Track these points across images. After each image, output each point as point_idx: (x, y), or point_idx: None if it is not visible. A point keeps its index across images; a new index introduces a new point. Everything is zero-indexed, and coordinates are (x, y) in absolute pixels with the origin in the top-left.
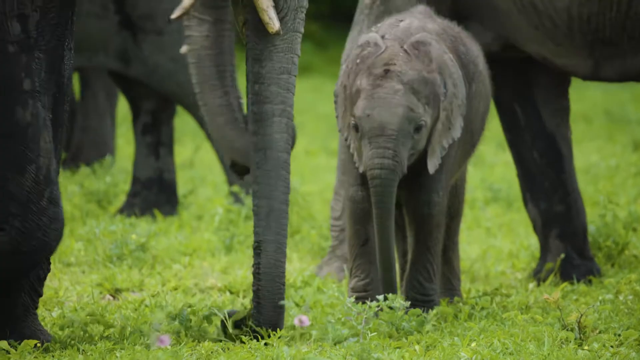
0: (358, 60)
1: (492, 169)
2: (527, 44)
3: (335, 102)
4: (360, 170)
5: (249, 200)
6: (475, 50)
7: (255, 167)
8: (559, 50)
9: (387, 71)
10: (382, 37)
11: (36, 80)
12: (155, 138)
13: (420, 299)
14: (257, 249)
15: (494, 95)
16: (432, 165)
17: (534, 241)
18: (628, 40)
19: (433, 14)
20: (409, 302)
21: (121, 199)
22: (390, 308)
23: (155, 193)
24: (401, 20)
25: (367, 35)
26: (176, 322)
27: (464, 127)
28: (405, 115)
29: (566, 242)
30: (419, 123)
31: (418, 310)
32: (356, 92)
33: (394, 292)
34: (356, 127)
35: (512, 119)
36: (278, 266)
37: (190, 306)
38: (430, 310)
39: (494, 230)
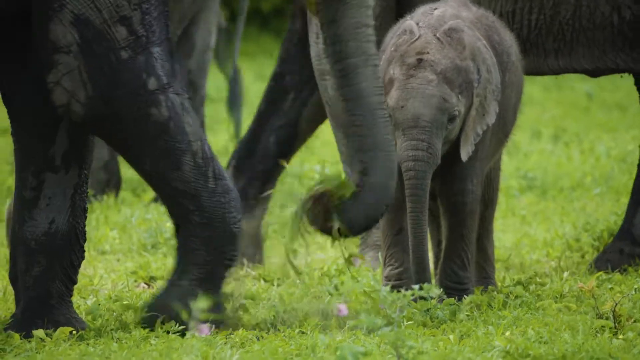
0: (392, 49)
1: (527, 157)
2: None
3: None
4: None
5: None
6: (508, 40)
7: (348, 115)
8: None
9: (420, 60)
10: (418, 26)
11: (161, 74)
12: None
13: (455, 288)
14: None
15: None
16: (465, 152)
17: (568, 229)
18: (553, 41)
19: (468, 3)
20: (444, 291)
21: None
22: (423, 298)
23: None
24: (435, 9)
25: (403, 23)
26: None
27: (497, 116)
28: (439, 106)
29: None
30: (453, 113)
31: (452, 300)
32: (389, 81)
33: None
34: (389, 117)
35: None
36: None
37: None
38: (464, 298)
39: (529, 218)
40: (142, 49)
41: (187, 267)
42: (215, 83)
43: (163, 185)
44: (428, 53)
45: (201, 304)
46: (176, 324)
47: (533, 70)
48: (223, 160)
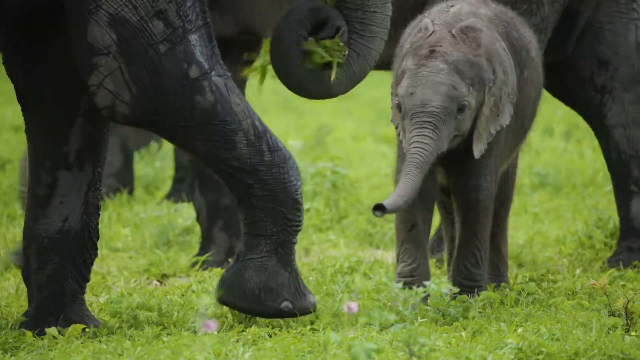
0: (408, 46)
1: (539, 154)
2: (266, 29)
3: (392, 94)
4: (405, 150)
5: None
6: (527, 37)
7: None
8: None
9: (432, 51)
10: (432, 22)
11: (202, 60)
12: None
13: (468, 285)
14: None
15: None
16: (477, 150)
17: (581, 227)
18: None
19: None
20: (458, 289)
21: (168, 185)
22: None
23: None
24: (452, 6)
25: (420, 22)
26: (223, 307)
27: (515, 114)
28: (448, 94)
29: None
30: (462, 102)
31: (465, 297)
32: (401, 73)
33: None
34: (399, 107)
35: None
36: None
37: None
38: (477, 295)
39: (541, 216)
40: (180, 39)
41: (256, 240)
42: None
43: (220, 165)
44: (441, 46)
45: (206, 300)
46: (190, 322)
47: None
48: None
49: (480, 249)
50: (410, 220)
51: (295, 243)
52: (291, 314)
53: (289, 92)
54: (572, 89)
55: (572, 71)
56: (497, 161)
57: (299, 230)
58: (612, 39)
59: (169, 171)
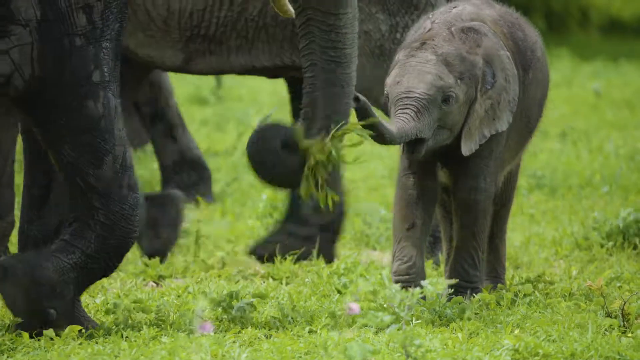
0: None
1: (536, 156)
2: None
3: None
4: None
5: None
6: (533, 37)
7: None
8: (149, 41)
9: (423, 44)
10: (433, 22)
11: (105, 70)
12: (166, 123)
13: (464, 286)
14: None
15: None
16: (467, 147)
17: (577, 228)
18: (236, 38)
19: (492, 1)
20: (452, 289)
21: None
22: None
23: (186, 175)
24: (454, 7)
25: (420, 22)
26: (219, 309)
27: (521, 113)
28: (433, 82)
29: None
30: (448, 93)
31: (460, 298)
32: (393, 65)
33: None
34: (387, 97)
35: None
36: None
37: (232, 293)
38: (473, 296)
39: (538, 217)
40: (95, 40)
41: (73, 249)
42: (225, 81)
43: (77, 177)
44: (433, 40)
45: (204, 302)
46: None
47: (217, 70)
48: (232, 159)
49: (478, 250)
50: (410, 220)
51: (93, 282)
52: (46, 321)
53: (286, 92)
54: None
55: None
56: (498, 163)
57: (106, 276)
58: None
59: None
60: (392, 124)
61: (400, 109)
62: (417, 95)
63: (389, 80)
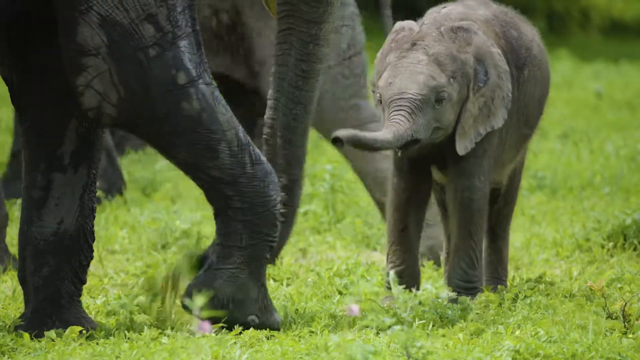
0: (392, 44)
1: (536, 156)
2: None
3: (373, 92)
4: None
5: None
6: (528, 36)
7: (290, 119)
8: None
9: (414, 44)
10: (422, 24)
11: (190, 67)
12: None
13: (464, 286)
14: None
15: None
16: (461, 146)
17: (578, 229)
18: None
19: (488, 1)
20: (454, 291)
21: (166, 187)
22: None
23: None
24: (444, 7)
25: (402, 22)
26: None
27: (518, 111)
28: (426, 82)
29: None
30: (441, 93)
31: (462, 299)
32: (384, 68)
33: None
34: (380, 100)
35: None
36: None
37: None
38: (474, 297)
39: (538, 218)
40: (169, 45)
41: (229, 251)
42: None
43: (200, 174)
44: (424, 40)
45: (200, 300)
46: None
47: None
48: None
49: (475, 249)
50: (402, 223)
51: (267, 259)
52: (256, 327)
53: None
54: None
55: None
56: (492, 163)
57: (273, 247)
58: None
59: (166, 173)
60: (387, 128)
61: (394, 110)
62: (410, 96)
63: (381, 83)
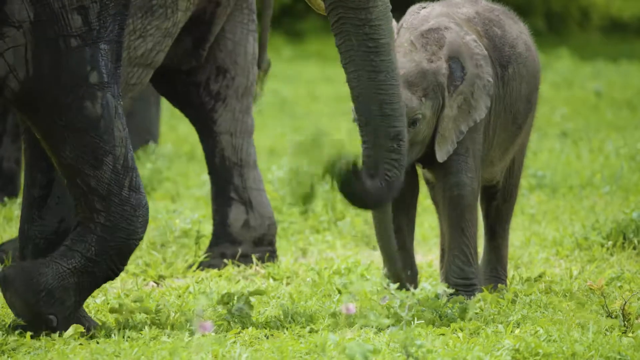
0: None
1: (536, 156)
2: None
3: None
4: None
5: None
6: (513, 33)
7: None
8: None
9: None
10: (401, 27)
11: (104, 71)
12: (0, 127)
13: (462, 284)
14: None
15: None
16: (442, 153)
17: (577, 228)
18: None
19: None
20: (453, 289)
21: (166, 186)
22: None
23: None
24: (423, 7)
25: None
26: (220, 309)
27: (505, 109)
28: None
29: None
30: (414, 117)
31: (461, 297)
32: None
33: (401, 282)
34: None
35: None
36: None
37: (229, 293)
38: (472, 295)
39: (538, 217)
40: (91, 42)
41: (72, 253)
42: None
43: (78, 179)
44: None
45: (204, 301)
46: (187, 323)
47: None
48: None
49: (469, 245)
50: (395, 224)
51: (98, 286)
52: (48, 327)
53: (286, 93)
54: (187, 93)
55: (188, 76)
56: (477, 160)
57: (112, 278)
58: (232, 48)
59: (166, 172)
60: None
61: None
62: None
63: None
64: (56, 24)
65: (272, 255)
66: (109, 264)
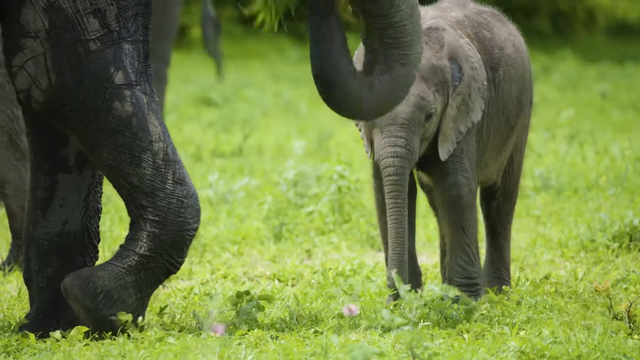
0: None
1: (542, 157)
2: None
3: None
4: (369, 157)
5: (296, 190)
6: (502, 35)
7: None
8: None
9: None
10: None
11: (130, 71)
12: None
13: (465, 283)
14: None
15: None
16: (445, 151)
17: (583, 230)
18: None
19: (467, 1)
20: (457, 290)
21: None
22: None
23: None
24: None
25: None
26: (228, 311)
27: (497, 111)
28: (417, 104)
29: None
30: (430, 111)
31: (467, 299)
32: None
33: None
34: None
35: None
36: None
37: (239, 294)
38: (476, 294)
39: (544, 218)
40: (112, 43)
41: (128, 254)
42: (231, 83)
43: (120, 179)
44: None
45: (217, 303)
46: (194, 324)
47: None
48: (238, 160)
49: (471, 245)
50: None
51: (161, 282)
52: (112, 328)
53: (291, 95)
54: None
55: None
56: (472, 161)
57: (173, 271)
58: None
59: None
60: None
61: (387, 137)
62: (403, 120)
63: None
64: (72, 29)
65: None
66: (166, 257)
